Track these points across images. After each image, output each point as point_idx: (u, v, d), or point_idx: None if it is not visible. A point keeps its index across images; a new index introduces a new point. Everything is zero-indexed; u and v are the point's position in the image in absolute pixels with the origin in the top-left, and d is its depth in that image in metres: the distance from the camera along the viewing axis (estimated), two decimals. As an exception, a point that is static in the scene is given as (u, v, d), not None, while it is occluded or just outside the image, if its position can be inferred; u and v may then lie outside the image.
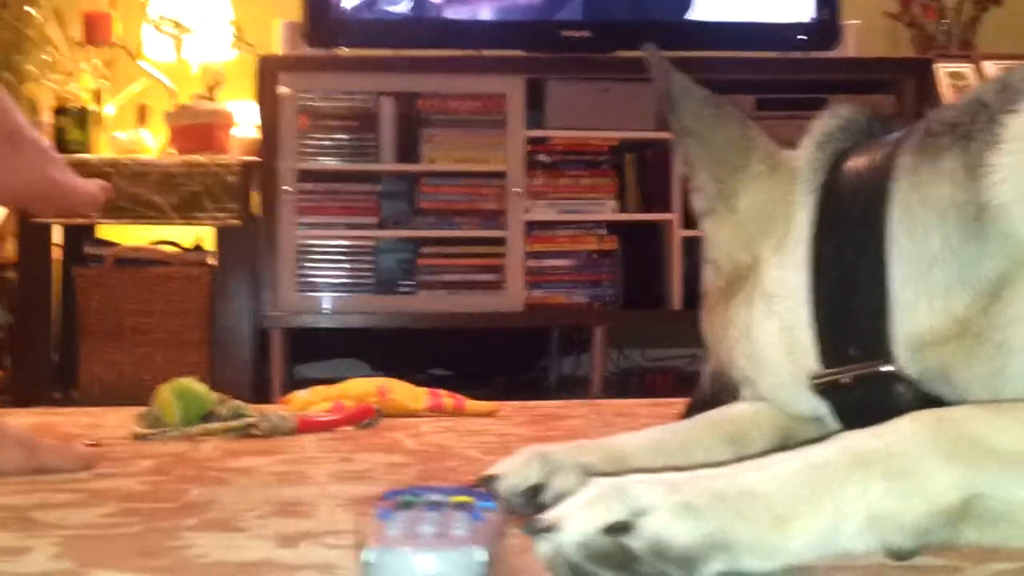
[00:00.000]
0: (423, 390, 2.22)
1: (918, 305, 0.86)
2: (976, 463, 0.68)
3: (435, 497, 0.67)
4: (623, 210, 3.29)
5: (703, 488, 0.66)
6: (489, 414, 2.17)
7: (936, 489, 0.67)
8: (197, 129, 3.29)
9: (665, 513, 0.65)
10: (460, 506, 0.65)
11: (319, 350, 3.58)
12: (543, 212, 3.27)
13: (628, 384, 3.58)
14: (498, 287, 3.24)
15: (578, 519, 0.65)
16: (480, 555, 0.58)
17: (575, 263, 3.29)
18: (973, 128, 0.85)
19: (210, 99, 3.38)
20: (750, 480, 0.68)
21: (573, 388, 3.50)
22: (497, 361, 3.63)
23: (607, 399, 2.81)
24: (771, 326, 0.96)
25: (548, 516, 0.66)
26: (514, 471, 0.94)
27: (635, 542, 0.64)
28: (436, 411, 2.16)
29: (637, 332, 3.67)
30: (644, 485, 0.67)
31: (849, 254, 0.90)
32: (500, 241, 3.24)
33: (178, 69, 3.44)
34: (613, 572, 0.64)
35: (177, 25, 3.32)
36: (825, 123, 1.00)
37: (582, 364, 3.56)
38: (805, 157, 0.98)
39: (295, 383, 3.05)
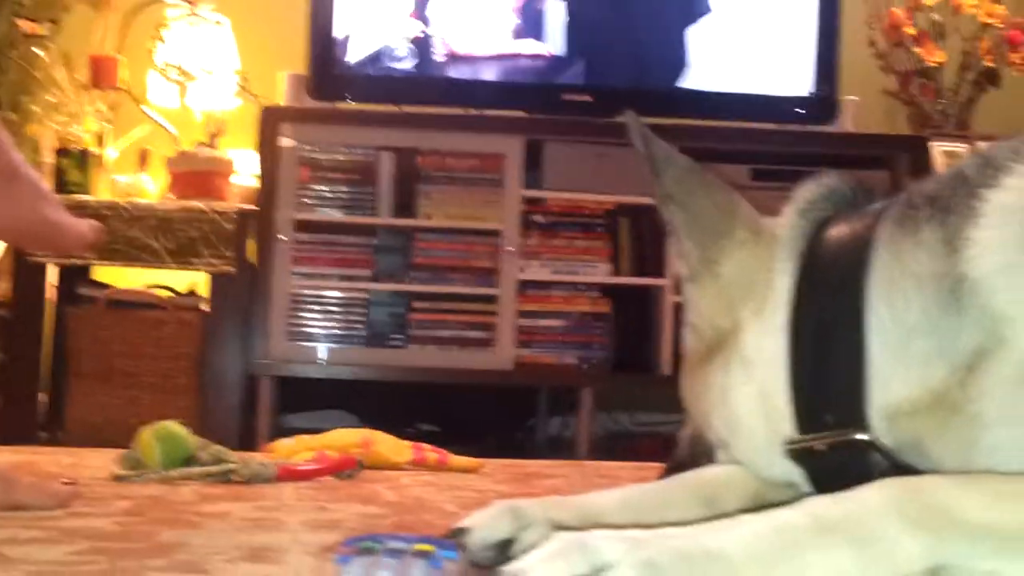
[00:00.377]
0: (407, 443, 2.21)
1: (895, 375, 0.86)
2: (942, 534, 0.67)
3: (396, 544, 0.67)
4: (616, 273, 3.29)
5: (666, 546, 0.66)
6: (472, 470, 2.16)
7: (901, 558, 0.67)
8: (197, 176, 3.31)
9: (627, 569, 0.64)
10: (420, 554, 0.65)
11: (308, 400, 3.57)
12: (536, 272, 3.27)
13: (615, 447, 3.56)
14: (488, 344, 3.24)
15: (540, 572, 0.65)
16: (435, 602, 0.58)
17: (566, 324, 3.29)
18: (953, 201, 0.85)
19: (211, 147, 3.40)
20: (713, 540, 0.67)
21: (560, 449, 3.48)
22: (485, 419, 3.62)
23: (593, 460, 2.80)
24: (748, 391, 0.96)
25: (510, 568, 0.66)
26: (485, 524, 0.94)
27: (596, 597, 0.64)
28: (419, 465, 2.16)
29: (626, 396, 3.66)
30: (607, 540, 0.66)
31: (828, 322, 0.90)
32: (492, 299, 3.24)
33: (181, 116, 3.47)
34: (573, 627, 0.64)
35: (182, 72, 3.35)
36: (808, 191, 1.01)
37: (570, 425, 3.55)
38: (787, 224, 0.99)
39: (282, 432, 3.03)
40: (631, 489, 1.02)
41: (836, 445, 0.89)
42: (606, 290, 3.31)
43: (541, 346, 3.27)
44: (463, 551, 0.93)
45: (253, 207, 3.24)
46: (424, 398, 3.56)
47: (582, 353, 3.29)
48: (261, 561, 0.99)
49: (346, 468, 1.92)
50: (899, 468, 0.86)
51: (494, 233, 3.25)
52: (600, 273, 3.30)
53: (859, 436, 0.88)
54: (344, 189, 3.27)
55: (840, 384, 0.89)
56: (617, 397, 3.66)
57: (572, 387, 3.39)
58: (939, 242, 0.85)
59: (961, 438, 0.82)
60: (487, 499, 1.60)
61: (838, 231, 0.95)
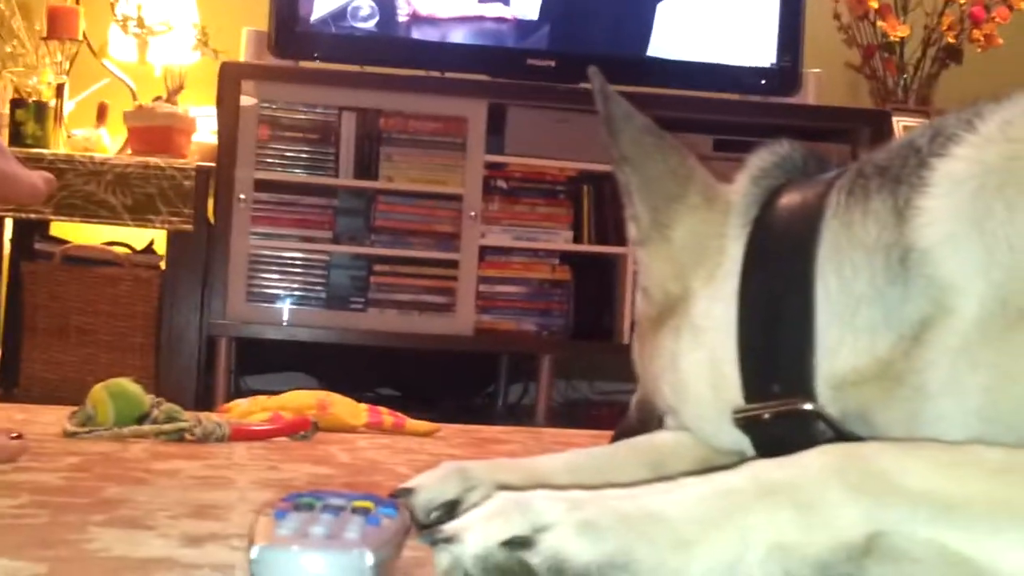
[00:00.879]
0: (364, 406, 2.21)
1: (842, 345, 0.86)
2: (882, 500, 0.68)
3: (336, 501, 0.66)
4: (577, 241, 3.30)
5: (606, 507, 0.66)
6: (428, 434, 2.16)
7: (840, 524, 0.67)
8: (155, 131, 3.27)
9: (567, 530, 0.64)
10: (359, 511, 0.65)
11: (267, 362, 3.56)
12: (497, 238, 3.27)
13: (575, 415, 3.57)
14: (448, 310, 3.24)
15: (478, 532, 0.65)
16: (368, 559, 0.57)
17: (526, 291, 3.29)
18: (903, 171, 0.85)
19: (171, 102, 3.36)
20: (656, 502, 0.67)
21: (520, 416, 3.49)
22: (445, 384, 3.62)
23: (551, 428, 2.81)
24: (697, 357, 0.96)
25: (448, 527, 0.66)
26: (431, 485, 0.94)
27: (534, 558, 0.64)
28: (375, 428, 2.16)
29: (586, 364, 3.67)
30: (548, 501, 0.66)
31: (777, 290, 0.90)
32: (453, 264, 3.24)
33: (141, 70, 3.42)
34: (511, 587, 0.64)
35: (142, 25, 3.30)
36: (762, 159, 1.00)
37: (530, 392, 3.56)
38: (740, 191, 0.98)
39: (241, 393, 3.02)
40: (578, 453, 1.02)
41: (782, 414, 0.89)
42: (567, 257, 3.31)
43: (501, 312, 3.28)
44: (409, 512, 0.93)
45: (212, 165, 3.21)
46: (385, 362, 3.55)
47: (542, 320, 3.30)
48: (205, 518, 0.98)
49: (300, 429, 1.92)
50: (844, 438, 0.87)
51: (456, 198, 3.24)
52: (561, 240, 3.30)
53: (804, 405, 0.88)
54: (305, 149, 3.24)
55: (787, 353, 0.89)
56: (577, 365, 3.67)
57: (532, 354, 3.40)
58: (888, 212, 0.84)
59: (906, 408, 0.82)
60: (441, 463, 1.61)
61: (789, 199, 0.94)
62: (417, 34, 3.35)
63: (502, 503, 0.67)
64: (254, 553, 0.57)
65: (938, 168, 0.82)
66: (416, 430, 2.18)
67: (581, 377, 3.73)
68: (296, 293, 3.24)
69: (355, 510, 0.65)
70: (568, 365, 3.58)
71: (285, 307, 3.22)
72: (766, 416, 0.90)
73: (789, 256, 0.90)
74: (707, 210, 0.98)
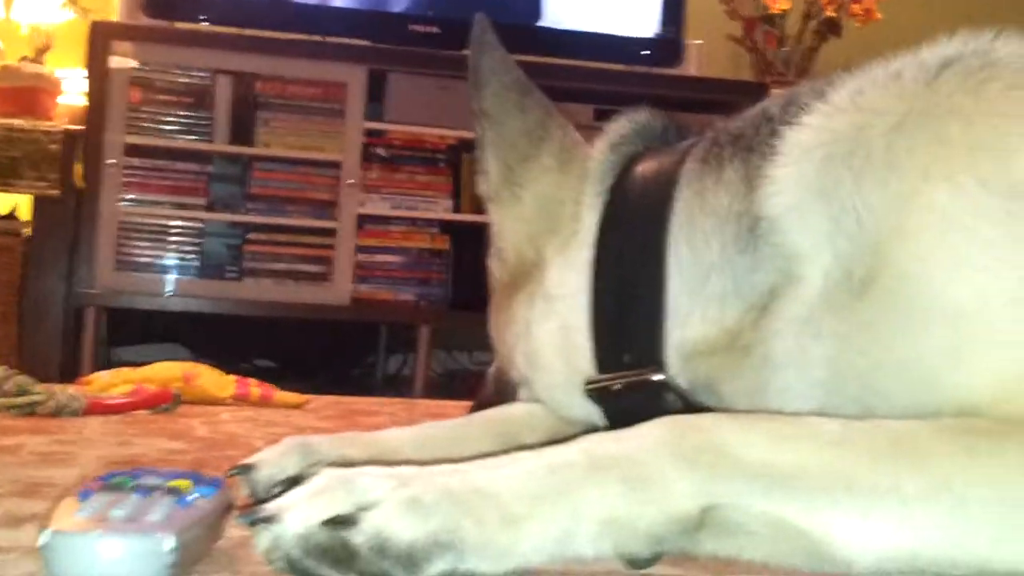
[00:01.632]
0: (231, 378, 2.15)
1: (692, 314, 0.85)
2: (717, 473, 0.66)
3: (151, 480, 0.62)
4: (457, 210, 3.26)
5: (433, 484, 0.63)
6: (297, 406, 2.11)
7: (673, 497, 0.65)
8: (21, 92, 3.14)
9: (391, 507, 0.61)
10: (172, 491, 0.61)
11: (140, 333, 3.46)
12: (376, 206, 3.22)
13: (453, 386, 3.55)
14: (325, 279, 3.18)
15: (299, 510, 0.62)
16: (168, 543, 0.54)
17: (405, 260, 3.25)
18: (755, 140, 0.84)
19: (38, 62, 3.22)
20: (484, 478, 0.65)
21: (399, 387, 3.46)
22: (323, 355, 3.57)
23: (429, 399, 2.78)
24: (550, 326, 0.94)
25: (269, 507, 0.62)
26: (271, 461, 0.90)
27: (357, 537, 0.61)
28: (242, 400, 2.10)
29: (465, 334, 3.64)
30: (372, 478, 0.63)
31: (629, 259, 0.89)
32: (330, 232, 3.18)
33: (6, 28, 3.28)
34: (333, 568, 0.61)
35: (5, -21, 3.16)
36: (620, 126, 0.99)
37: (409, 363, 3.52)
38: (597, 158, 0.97)
39: (111, 365, 2.93)
40: (428, 426, 0.99)
41: (631, 385, 0.87)
42: (446, 226, 3.27)
43: (379, 282, 3.23)
44: (251, 489, 0.89)
45: (80, 128, 3.09)
46: (262, 333, 3.48)
47: (420, 290, 3.26)
48: (33, 497, 0.93)
49: (162, 402, 1.85)
50: (693, 408, 0.85)
51: (334, 165, 3.18)
52: (441, 209, 3.26)
53: (654, 376, 0.86)
54: (179, 113, 3.15)
55: (638, 323, 0.87)
56: (456, 336, 3.64)
57: (410, 324, 3.36)
58: (739, 180, 0.83)
59: (752, 379, 0.82)
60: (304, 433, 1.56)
61: (645, 167, 0.93)
62: (296, -3, 3.27)
63: (326, 481, 0.64)
64: (43, 539, 0.52)
65: (788, 137, 0.81)
66: (285, 402, 2.13)
67: (461, 348, 3.70)
68: (169, 262, 3.15)
69: (169, 490, 0.61)
70: (447, 336, 3.55)
71: (157, 276, 3.13)
72: (616, 387, 0.89)
73: (642, 225, 0.89)
74: (560, 173, 0.96)
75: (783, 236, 0.80)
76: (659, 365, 0.86)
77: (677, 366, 0.86)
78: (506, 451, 0.95)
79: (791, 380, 0.79)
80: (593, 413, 0.93)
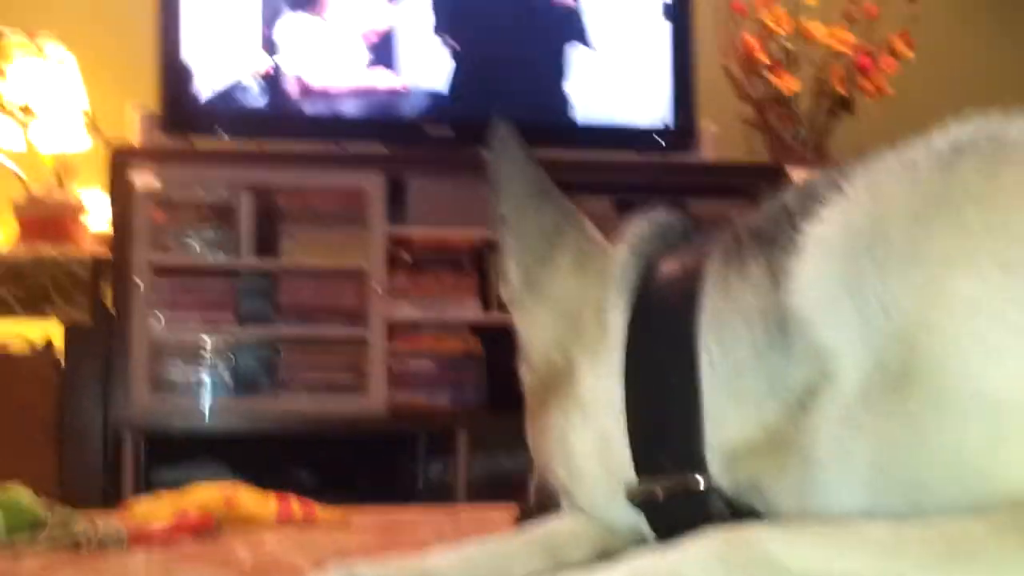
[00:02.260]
0: (272, 497, 2.14)
1: (729, 416, 0.84)
2: (766, 584, 0.65)
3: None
4: (486, 310, 3.26)
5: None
6: (339, 522, 2.10)
7: (725, 612, 0.64)
8: (47, 221, 3.19)
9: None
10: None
11: (179, 452, 3.46)
12: (405, 312, 3.23)
13: (496, 488, 3.52)
14: (359, 389, 3.18)
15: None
16: None
17: (438, 365, 3.25)
18: (775, 234, 0.84)
19: (63, 190, 3.28)
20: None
21: (440, 493, 3.43)
22: (362, 465, 3.55)
23: (472, 504, 2.76)
24: (586, 435, 0.93)
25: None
26: (317, 592, 0.89)
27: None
28: (285, 519, 2.09)
29: (504, 435, 3.62)
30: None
31: (661, 362, 0.88)
32: (361, 341, 3.18)
33: (28, 158, 3.34)
34: None
35: (25, 111, 3.22)
36: (639, 226, 0.99)
37: (449, 468, 3.50)
38: (619, 261, 0.97)
39: (151, 487, 2.93)
40: (472, 547, 0.98)
41: (673, 491, 0.86)
42: (476, 328, 3.27)
43: (413, 388, 3.22)
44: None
45: (107, 252, 3.13)
46: (299, 446, 3.48)
47: (455, 394, 3.25)
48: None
49: (203, 528, 1.84)
50: (737, 512, 0.84)
51: (360, 273, 3.20)
52: (470, 310, 3.26)
53: (695, 480, 0.85)
54: (203, 231, 3.18)
55: (675, 427, 0.86)
56: (494, 437, 3.62)
57: (448, 429, 3.35)
58: (763, 276, 0.83)
59: (796, 478, 0.80)
60: (346, 555, 1.55)
61: (669, 267, 0.93)
62: (310, 107, 3.32)
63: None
64: None
65: (807, 231, 0.81)
66: (327, 519, 2.11)
67: (501, 448, 3.68)
68: (203, 380, 3.16)
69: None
70: (486, 438, 3.54)
71: (192, 395, 3.14)
72: (658, 493, 0.88)
73: (671, 326, 0.88)
74: (577, 274, 0.97)
75: (813, 332, 0.79)
76: (700, 468, 0.85)
77: (718, 468, 0.85)
78: (553, 570, 0.95)
79: (835, 477, 0.78)
80: (637, 521, 0.91)
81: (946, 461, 0.72)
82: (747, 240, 0.87)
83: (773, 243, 0.84)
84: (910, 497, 0.74)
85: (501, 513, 2.22)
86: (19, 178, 3.31)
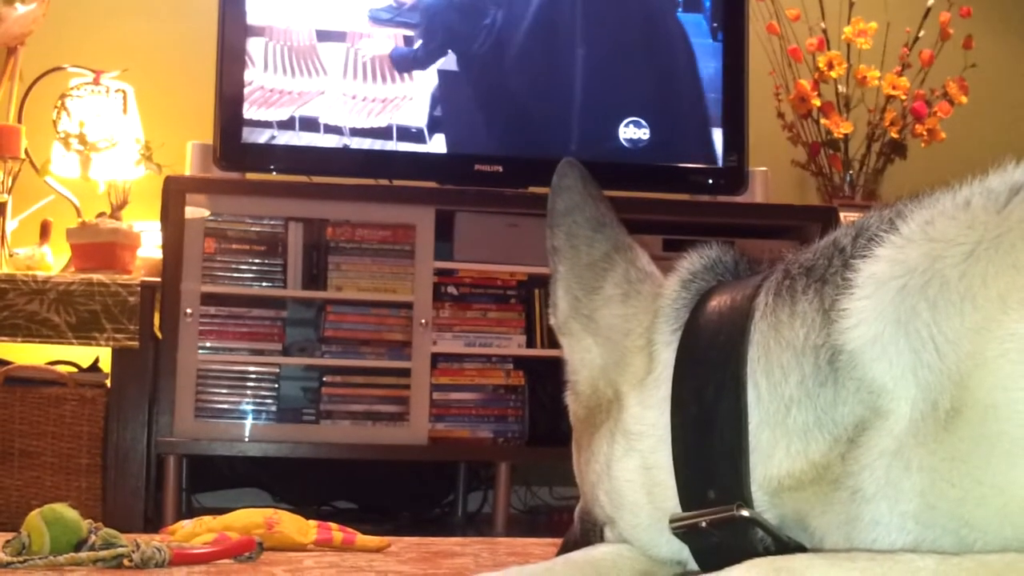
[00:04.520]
0: (313, 523, 2.15)
1: (775, 448, 0.85)
2: (814, 616, 0.65)
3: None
4: (530, 345, 3.27)
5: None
6: (378, 549, 2.10)
7: (770, 641, 0.64)
8: (99, 248, 3.23)
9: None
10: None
11: (221, 478, 3.49)
12: (449, 344, 3.24)
13: (535, 522, 3.52)
14: (402, 419, 3.19)
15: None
16: None
17: (481, 397, 3.26)
18: (828, 272, 0.84)
19: (115, 218, 3.33)
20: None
21: (479, 525, 3.43)
22: (402, 495, 3.56)
23: (511, 537, 2.75)
24: (631, 464, 0.94)
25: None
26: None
27: None
28: (325, 545, 2.10)
29: (544, 469, 3.62)
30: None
31: (708, 395, 0.89)
32: (405, 372, 3.20)
33: (84, 186, 3.39)
34: None
35: (84, 142, 3.28)
36: (691, 261, 1.00)
37: (489, 500, 3.50)
38: (669, 295, 0.97)
39: (192, 512, 2.95)
40: (514, 570, 0.98)
41: (718, 522, 0.86)
42: (520, 362, 3.28)
43: (455, 420, 3.23)
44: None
45: (157, 279, 3.17)
46: (340, 474, 3.49)
47: (497, 427, 3.26)
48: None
49: (245, 551, 1.85)
50: (782, 544, 0.84)
51: (406, 305, 3.21)
52: (514, 345, 3.27)
53: (741, 512, 0.85)
54: (252, 260, 3.22)
55: (722, 459, 0.87)
56: (535, 470, 3.62)
57: (488, 461, 3.35)
58: (815, 313, 0.83)
59: (843, 513, 0.80)
60: (385, 580, 1.55)
61: (719, 302, 0.93)
62: (359, 145, 3.35)
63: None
64: None
65: (862, 269, 0.81)
66: (367, 545, 2.12)
67: (541, 482, 3.68)
68: (247, 407, 3.18)
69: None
70: (526, 471, 3.54)
71: (236, 422, 3.16)
72: (703, 524, 0.88)
73: (719, 359, 0.89)
74: (625, 304, 0.98)
75: (865, 369, 0.79)
76: (745, 501, 0.86)
77: (764, 501, 0.85)
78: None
79: (883, 514, 0.78)
80: (681, 551, 0.92)
81: (994, 501, 0.72)
82: (798, 276, 0.87)
83: (825, 280, 0.84)
84: (958, 535, 0.73)
85: (541, 547, 2.22)
86: (74, 206, 3.37)
